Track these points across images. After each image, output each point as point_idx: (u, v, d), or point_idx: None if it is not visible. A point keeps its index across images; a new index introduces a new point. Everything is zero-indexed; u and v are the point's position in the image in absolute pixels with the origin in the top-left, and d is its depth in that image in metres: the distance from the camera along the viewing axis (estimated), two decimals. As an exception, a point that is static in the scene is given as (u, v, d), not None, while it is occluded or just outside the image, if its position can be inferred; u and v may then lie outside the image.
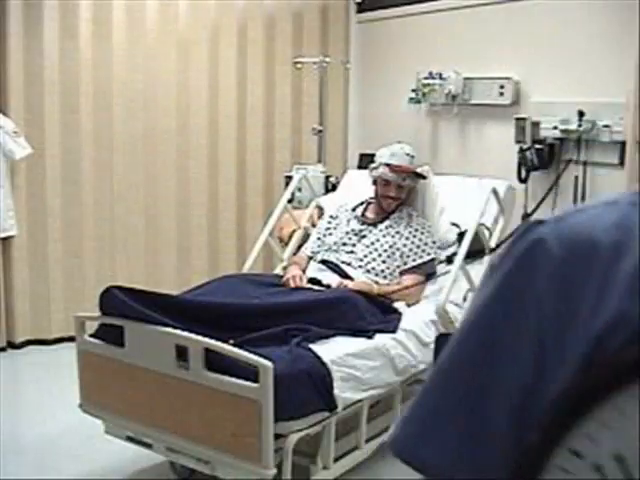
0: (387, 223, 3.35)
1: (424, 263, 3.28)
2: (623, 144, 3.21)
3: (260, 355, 2.29)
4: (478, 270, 3.31)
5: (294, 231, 3.81)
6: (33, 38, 4.10)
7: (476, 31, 4.17)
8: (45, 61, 4.13)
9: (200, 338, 2.34)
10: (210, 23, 4.59)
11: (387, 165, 3.32)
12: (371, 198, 3.49)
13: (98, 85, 4.31)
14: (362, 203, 3.52)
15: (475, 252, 3.27)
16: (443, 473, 0.82)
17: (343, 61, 4.98)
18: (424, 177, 3.39)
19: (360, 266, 3.24)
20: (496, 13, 4.04)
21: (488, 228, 3.37)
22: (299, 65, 4.71)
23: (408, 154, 3.36)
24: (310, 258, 3.43)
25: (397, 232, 3.30)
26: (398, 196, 3.36)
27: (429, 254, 3.30)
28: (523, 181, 3.83)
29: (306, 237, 3.71)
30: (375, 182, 3.41)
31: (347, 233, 3.36)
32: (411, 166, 3.37)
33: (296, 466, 2.48)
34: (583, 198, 3.59)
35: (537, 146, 3.73)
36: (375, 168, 3.38)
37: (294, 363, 2.39)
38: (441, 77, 4.26)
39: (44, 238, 4.26)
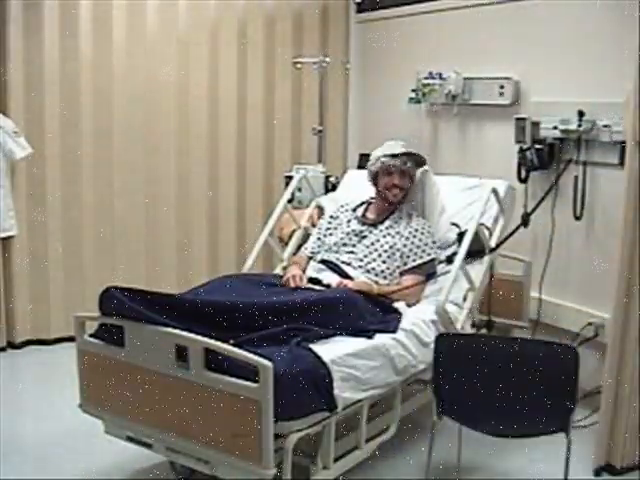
0: (387, 223, 3.35)
1: (424, 263, 3.28)
2: (623, 144, 3.21)
3: (260, 355, 2.29)
4: (478, 270, 3.32)
5: (294, 231, 3.81)
6: (33, 38, 4.10)
7: (476, 31, 4.17)
8: (45, 61, 4.14)
9: (200, 338, 2.34)
10: (210, 23, 4.59)
11: (385, 157, 3.35)
12: (372, 198, 3.49)
13: (98, 85, 4.31)
14: (363, 203, 3.52)
15: (475, 252, 3.27)
16: None
17: (343, 61, 4.98)
18: (424, 161, 3.39)
19: (360, 266, 3.23)
20: (496, 13, 4.04)
21: (488, 228, 3.37)
22: (299, 65, 4.71)
23: (402, 145, 3.39)
24: (310, 258, 3.43)
25: (397, 232, 3.30)
26: (402, 184, 3.35)
27: (429, 254, 3.30)
28: (523, 181, 3.83)
29: (306, 237, 3.71)
30: (375, 180, 3.41)
31: (347, 234, 3.35)
32: None
33: (296, 466, 2.48)
34: (583, 198, 3.59)
35: (537, 146, 3.72)
36: (373, 164, 3.40)
37: (294, 363, 2.39)
38: (441, 77, 4.26)
39: (44, 238, 4.26)
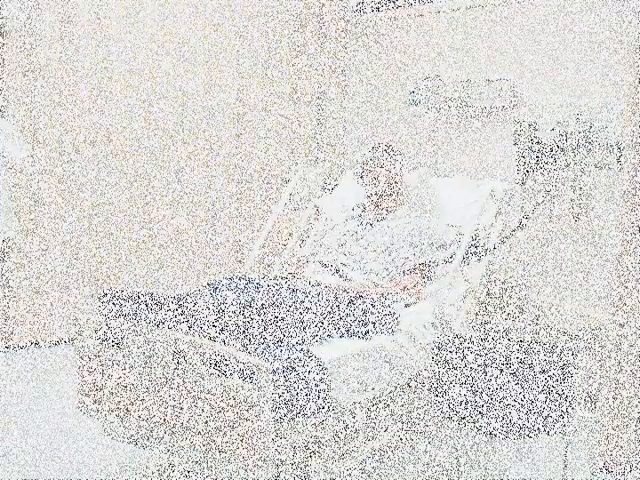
0: (385, 223, 3.35)
1: (422, 264, 3.28)
2: (621, 145, 3.22)
3: (259, 355, 2.29)
4: (477, 271, 3.32)
5: (292, 232, 3.81)
6: (32, 38, 4.10)
7: (475, 32, 4.18)
8: (44, 61, 4.14)
9: (199, 339, 2.35)
10: (210, 22, 4.60)
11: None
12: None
13: (97, 85, 4.31)
14: (360, 204, 3.52)
15: (473, 253, 3.28)
16: None
17: (342, 61, 4.98)
18: (398, 151, 3.46)
19: (358, 267, 3.24)
20: (495, 14, 4.05)
21: (487, 229, 3.37)
22: (298, 65, 4.71)
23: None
24: (308, 259, 3.43)
25: (395, 232, 3.31)
26: (380, 171, 3.38)
27: (428, 254, 3.30)
28: (521, 182, 3.83)
29: (304, 238, 3.71)
30: (363, 182, 3.44)
31: (345, 234, 3.36)
32: None
33: (296, 466, 2.49)
34: (581, 199, 3.60)
35: (535, 147, 3.74)
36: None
37: (293, 364, 2.40)
38: (440, 78, 4.27)
39: (44, 239, 4.27)
